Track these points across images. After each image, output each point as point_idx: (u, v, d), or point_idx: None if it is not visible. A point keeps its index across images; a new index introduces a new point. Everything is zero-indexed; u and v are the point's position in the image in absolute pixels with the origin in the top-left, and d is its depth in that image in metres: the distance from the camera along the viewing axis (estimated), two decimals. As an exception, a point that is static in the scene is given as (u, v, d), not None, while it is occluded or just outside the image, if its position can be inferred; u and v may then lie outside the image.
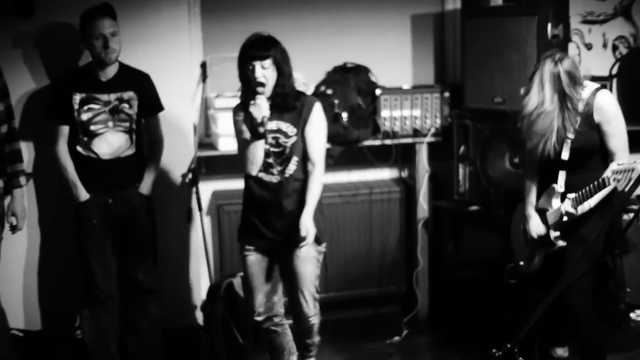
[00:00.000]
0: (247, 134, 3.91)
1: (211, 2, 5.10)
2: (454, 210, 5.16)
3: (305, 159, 3.98)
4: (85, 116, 4.33)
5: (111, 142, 4.37)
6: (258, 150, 3.89)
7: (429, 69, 5.57)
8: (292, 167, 3.97)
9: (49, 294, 4.81)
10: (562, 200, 3.88)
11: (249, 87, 3.88)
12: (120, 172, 4.40)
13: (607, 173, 3.48)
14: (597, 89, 3.87)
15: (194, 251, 4.98)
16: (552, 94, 3.78)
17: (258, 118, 3.81)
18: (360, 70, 5.16)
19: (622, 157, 3.71)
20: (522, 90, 4.01)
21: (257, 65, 3.84)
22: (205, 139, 5.11)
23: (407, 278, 5.42)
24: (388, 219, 5.36)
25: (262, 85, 3.84)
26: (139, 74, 4.48)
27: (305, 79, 4.85)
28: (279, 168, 3.96)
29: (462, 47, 5.06)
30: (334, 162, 4.97)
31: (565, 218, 3.85)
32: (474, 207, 5.00)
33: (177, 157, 4.84)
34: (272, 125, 3.92)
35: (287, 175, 3.96)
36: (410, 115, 5.19)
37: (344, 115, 5.03)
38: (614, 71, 5.54)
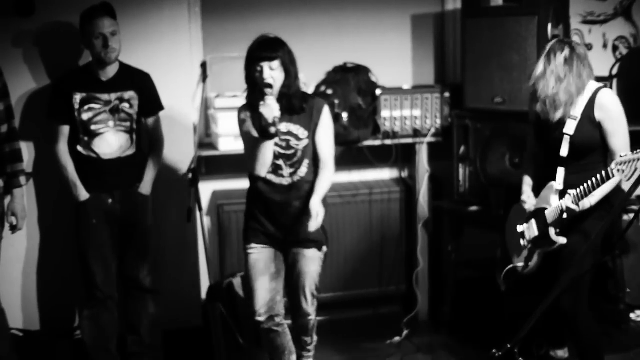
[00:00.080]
0: (254, 135, 3.91)
1: (211, 2, 5.11)
2: (454, 210, 5.16)
3: (315, 160, 4.01)
4: (85, 116, 4.33)
5: (111, 142, 4.37)
6: (268, 152, 3.89)
7: (429, 69, 5.57)
8: (304, 169, 3.99)
9: (49, 294, 4.81)
10: (562, 197, 3.87)
11: (256, 88, 3.89)
12: (121, 172, 4.40)
13: (612, 165, 3.49)
14: (600, 88, 3.87)
15: (194, 251, 4.98)
16: (558, 62, 3.79)
17: (269, 119, 3.81)
18: (361, 71, 5.16)
19: (624, 154, 3.70)
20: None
21: (266, 66, 3.85)
22: (206, 139, 5.11)
23: (407, 278, 5.42)
24: (388, 219, 5.36)
25: (270, 86, 3.85)
26: (139, 73, 4.48)
27: (306, 79, 4.84)
28: (289, 170, 3.97)
29: (462, 47, 5.06)
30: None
31: (565, 215, 3.84)
32: (474, 207, 5.00)
33: (177, 157, 4.84)
34: (282, 127, 3.93)
35: (299, 177, 3.99)
36: (410, 115, 5.19)
37: (344, 115, 5.03)
38: (615, 71, 5.54)
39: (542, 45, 4.44)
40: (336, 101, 4.99)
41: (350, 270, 5.30)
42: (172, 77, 4.80)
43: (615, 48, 5.71)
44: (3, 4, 4.54)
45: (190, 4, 4.93)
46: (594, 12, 5.63)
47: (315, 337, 4.31)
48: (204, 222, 4.58)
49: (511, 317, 4.49)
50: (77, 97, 4.32)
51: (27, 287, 4.79)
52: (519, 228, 4.13)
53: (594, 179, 3.66)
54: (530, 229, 4.05)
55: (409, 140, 5.23)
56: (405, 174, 5.49)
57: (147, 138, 4.55)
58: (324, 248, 4.12)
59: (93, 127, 4.34)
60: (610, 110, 3.82)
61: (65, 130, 4.37)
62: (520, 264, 4.12)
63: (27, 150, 4.59)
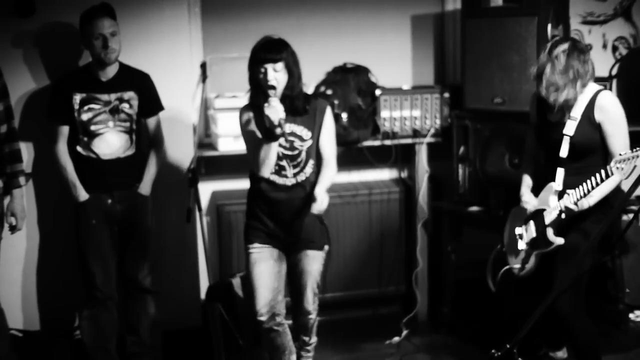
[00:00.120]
0: (258, 136, 3.91)
1: (211, 3, 5.11)
2: (453, 210, 5.16)
3: (319, 161, 4.03)
4: (85, 116, 4.33)
5: (111, 142, 4.37)
6: (272, 153, 3.90)
7: (428, 69, 5.57)
8: (309, 170, 4.01)
9: (49, 294, 4.81)
10: (560, 198, 3.87)
11: (260, 90, 3.89)
12: (120, 172, 4.40)
13: (611, 163, 3.49)
14: (600, 90, 3.87)
15: (193, 251, 4.98)
16: (561, 50, 3.80)
17: (275, 120, 3.82)
18: (360, 71, 5.16)
19: None
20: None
21: (270, 68, 3.86)
22: (205, 139, 5.12)
23: (407, 278, 5.42)
24: (388, 219, 5.36)
25: (274, 88, 3.85)
26: (139, 73, 4.48)
27: (305, 80, 4.83)
28: (293, 171, 3.98)
29: (462, 47, 5.06)
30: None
31: (563, 215, 3.84)
32: (474, 208, 5.00)
33: (176, 157, 4.84)
34: (286, 128, 3.94)
35: (303, 177, 4.01)
36: (410, 115, 5.19)
37: (344, 115, 5.03)
38: (614, 72, 5.54)
39: (542, 46, 4.45)
40: (336, 101, 4.99)
41: (349, 270, 5.30)
42: (171, 78, 4.80)
43: (614, 48, 5.72)
44: (3, 4, 4.54)
45: (190, 4, 4.93)
46: (594, 12, 5.63)
47: (315, 337, 4.32)
48: (203, 223, 4.59)
49: (510, 318, 4.49)
50: (77, 98, 4.32)
51: (27, 287, 4.79)
52: (517, 230, 4.13)
53: (592, 178, 3.66)
54: (528, 231, 4.05)
55: (409, 141, 5.23)
56: (404, 174, 5.50)
57: (147, 138, 4.55)
58: (326, 247, 4.14)
59: (93, 128, 4.34)
60: (610, 112, 3.83)
61: (65, 130, 4.37)
62: (517, 266, 4.12)
63: (26, 151, 4.59)
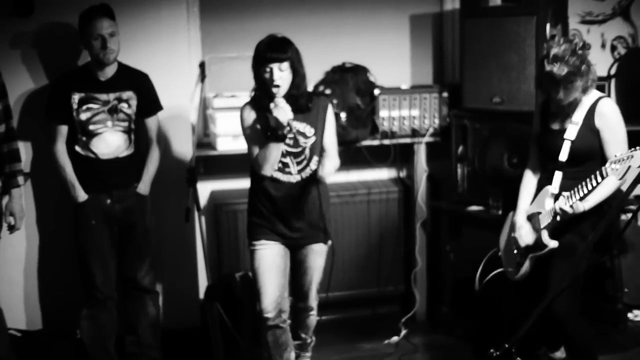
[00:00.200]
0: (262, 134, 3.93)
1: (210, 2, 5.11)
2: (452, 210, 5.16)
3: (322, 157, 4.05)
4: (84, 116, 4.33)
5: (110, 142, 4.37)
6: (277, 153, 3.91)
7: (427, 69, 5.57)
8: (313, 166, 4.03)
9: (51, 294, 4.81)
10: (556, 201, 3.87)
11: (264, 89, 3.89)
12: (119, 172, 4.39)
13: (605, 165, 3.50)
14: (601, 97, 3.88)
15: (192, 251, 4.98)
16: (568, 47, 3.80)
17: (284, 121, 3.83)
18: (359, 70, 5.16)
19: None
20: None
21: (275, 67, 3.86)
22: (204, 139, 5.12)
23: (406, 278, 5.42)
24: (386, 219, 5.36)
25: (279, 87, 3.86)
26: (137, 73, 4.48)
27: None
28: (297, 168, 3.99)
29: (460, 47, 5.06)
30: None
31: (558, 217, 3.84)
32: (473, 207, 5.00)
33: (175, 157, 4.84)
34: (296, 127, 3.95)
35: (308, 174, 4.02)
36: (408, 115, 5.19)
37: (343, 115, 5.03)
38: (613, 71, 5.55)
39: (540, 46, 4.45)
40: (334, 101, 4.99)
41: (348, 270, 5.30)
42: (170, 77, 4.80)
43: (613, 48, 5.72)
44: (1, 4, 4.54)
45: (188, 4, 4.93)
46: (593, 12, 5.63)
47: (314, 337, 4.32)
48: (202, 222, 4.60)
49: (509, 318, 4.49)
50: (76, 97, 4.32)
51: (28, 287, 4.79)
52: (513, 234, 4.13)
53: (588, 180, 3.67)
54: (525, 234, 4.05)
55: (407, 140, 5.23)
56: (403, 173, 5.49)
57: (146, 138, 4.54)
58: (329, 241, 4.17)
59: (91, 127, 4.33)
60: (610, 119, 3.83)
61: (64, 130, 4.37)
62: (511, 269, 4.12)
63: (25, 150, 4.59)
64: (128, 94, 4.39)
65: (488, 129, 4.96)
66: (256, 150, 3.98)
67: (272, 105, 3.84)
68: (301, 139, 3.97)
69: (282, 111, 3.83)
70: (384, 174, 5.50)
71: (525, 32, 4.64)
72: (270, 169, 3.96)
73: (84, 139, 4.35)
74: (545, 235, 3.90)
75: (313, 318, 4.27)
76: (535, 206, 4.01)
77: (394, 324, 5.18)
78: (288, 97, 3.92)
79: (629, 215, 4.93)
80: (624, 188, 3.29)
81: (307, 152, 3.99)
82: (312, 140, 4.00)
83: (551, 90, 3.81)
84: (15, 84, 4.53)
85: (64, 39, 4.59)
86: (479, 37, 4.85)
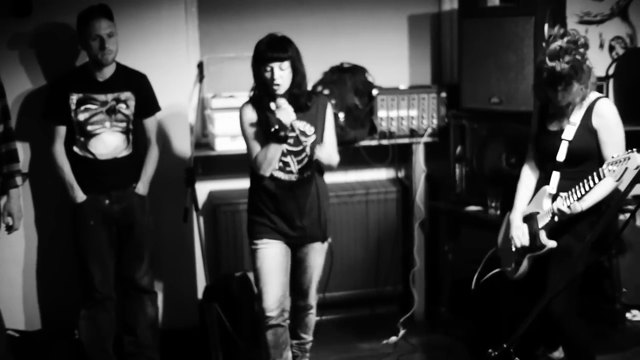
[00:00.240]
0: (261, 135, 3.94)
1: (208, 3, 5.11)
2: (450, 210, 5.16)
3: None
4: (82, 116, 4.32)
5: (108, 143, 4.37)
6: (278, 154, 3.92)
7: (425, 69, 5.57)
8: (313, 165, 4.04)
9: (50, 294, 4.81)
10: (554, 201, 3.87)
11: (264, 88, 3.90)
12: (117, 172, 4.39)
13: (603, 166, 3.50)
14: (599, 97, 3.88)
15: (190, 251, 4.97)
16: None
17: (287, 123, 3.85)
18: (357, 71, 5.17)
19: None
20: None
21: (276, 67, 3.86)
22: (202, 139, 5.11)
23: (404, 278, 5.42)
24: (385, 219, 5.36)
25: (280, 86, 3.87)
26: (136, 74, 4.48)
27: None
28: (298, 166, 4.00)
29: (459, 47, 5.06)
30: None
31: (556, 218, 3.84)
32: (471, 207, 5.01)
33: (173, 158, 4.83)
34: (301, 126, 3.97)
35: (309, 172, 4.03)
36: (407, 115, 5.19)
37: (341, 115, 5.03)
38: (611, 71, 5.55)
39: (539, 46, 4.45)
40: (333, 101, 4.99)
41: (346, 270, 5.30)
42: (168, 78, 4.79)
43: (611, 48, 5.72)
44: (0, 4, 4.53)
45: (186, 4, 4.93)
46: (591, 12, 5.63)
47: (312, 337, 4.32)
48: (200, 222, 4.60)
49: (508, 317, 4.50)
50: (74, 98, 4.32)
51: (27, 287, 4.78)
52: (510, 234, 4.13)
53: (585, 181, 3.67)
54: (522, 235, 4.05)
55: (406, 140, 5.23)
56: (401, 174, 5.50)
57: (144, 139, 4.54)
58: (329, 239, 4.21)
59: (89, 128, 4.33)
60: (607, 119, 3.83)
61: (62, 130, 4.36)
62: (510, 269, 4.12)
63: (23, 151, 4.58)
64: (126, 95, 4.39)
65: (486, 129, 4.96)
66: (256, 149, 3.98)
67: (273, 105, 3.85)
68: (302, 138, 3.97)
69: (285, 112, 3.83)
70: (382, 174, 5.51)
71: (523, 33, 4.64)
72: (269, 170, 3.96)
73: (82, 139, 4.35)
74: (543, 236, 3.90)
75: (312, 317, 4.28)
76: (533, 206, 4.01)
77: (393, 324, 5.18)
78: (289, 96, 3.92)
79: (627, 215, 4.93)
80: (622, 188, 3.29)
81: (307, 150, 4.00)
82: (313, 138, 4.01)
83: (550, 90, 3.81)
84: (13, 85, 4.52)
85: (62, 40, 4.59)
86: (477, 38, 4.86)
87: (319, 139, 4.04)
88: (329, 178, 4.59)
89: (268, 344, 4.10)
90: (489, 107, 4.85)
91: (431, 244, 5.39)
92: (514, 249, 4.09)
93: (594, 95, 3.88)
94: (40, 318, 4.82)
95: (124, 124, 4.39)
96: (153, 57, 4.77)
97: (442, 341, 5.08)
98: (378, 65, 5.29)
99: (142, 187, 4.48)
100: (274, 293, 4.03)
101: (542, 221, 3.91)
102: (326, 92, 5.00)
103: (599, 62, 5.49)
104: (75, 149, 4.36)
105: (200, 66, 4.97)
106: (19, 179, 4.32)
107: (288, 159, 3.99)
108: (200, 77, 4.93)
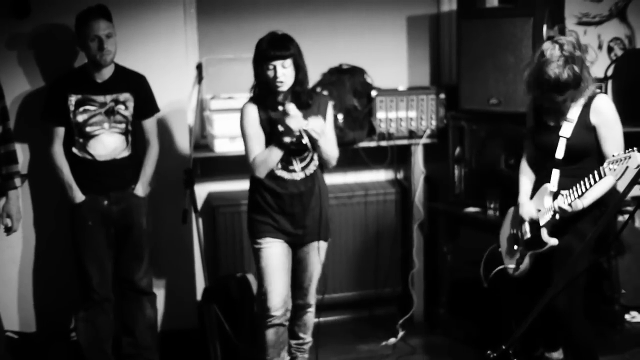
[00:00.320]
0: (262, 135, 3.95)
1: (207, 4, 5.11)
2: (449, 211, 5.16)
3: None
4: (80, 117, 4.32)
5: (107, 144, 4.36)
6: (278, 158, 3.94)
7: (424, 70, 5.58)
8: (315, 162, 4.07)
9: (45, 296, 4.80)
10: (555, 199, 3.87)
11: (267, 87, 3.90)
12: (116, 173, 4.39)
13: (603, 165, 3.50)
14: (596, 93, 3.87)
15: (189, 253, 4.97)
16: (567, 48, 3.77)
17: (296, 130, 3.86)
18: (356, 72, 5.17)
19: None
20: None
21: (278, 65, 3.87)
22: (201, 141, 5.11)
23: (403, 279, 5.42)
24: (384, 220, 5.36)
25: (283, 83, 3.88)
26: (134, 75, 4.48)
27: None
28: (300, 165, 4.00)
29: (457, 48, 5.07)
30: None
31: (557, 216, 3.84)
32: (470, 209, 5.01)
33: (172, 159, 4.83)
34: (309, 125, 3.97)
35: (311, 171, 4.05)
36: (405, 116, 5.20)
37: (340, 116, 5.03)
38: (609, 72, 5.55)
39: (537, 47, 4.45)
40: (332, 102, 4.99)
41: (345, 271, 5.30)
42: (167, 79, 4.79)
43: (610, 49, 5.72)
44: (-2, 5, 4.55)
45: (185, 5, 4.93)
46: (589, 13, 5.64)
47: (311, 338, 4.32)
48: (199, 224, 4.59)
49: (508, 318, 4.50)
50: (72, 99, 4.32)
51: (23, 289, 4.77)
52: (513, 230, 4.14)
53: (586, 179, 3.67)
54: (523, 232, 4.06)
55: (405, 142, 5.24)
56: (400, 175, 5.50)
57: (143, 140, 4.54)
58: (329, 239, 4.23)
59: (88, 129, 4.33)
60: (606, 116, 3.83)
61: (60, 131, 4.36)
62: (512, 266, 4.12)
63: (22, 152, 4.58)
64: (125, 96, 4.39)
65: (485, 130, 4.96)
66: (255, 150, 3.98)
67: (280, 110, 3.85)
68: (313, 136, 3.98)
69: (295, 120, 3.85)
70: (381, 175, 5.51)
71: (522, 34, 4.64)
72: (265, 172, 3.97)
73: (81, 140, 4.35)
74: (544, 233, 3.90)
75: (311, 315, 4.28)
76: (535, 204, 4.01)
77: (392, 325, 5.18)
78: (291, 93, 3.93)
79: (626, 216, 4.93)
80: (621, 188, 3.29)
81: (310, 149, 4.01)
82: (322, 136, 4.00)
83: (549, 95, 3.81)
84: (12, 86, 4.52)
85: (60, 41, 4.58)
86: (476, 39, 4.86)
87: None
88: (328, 179, 4.61)
89: (267, 343, 4.10)
90: (487, 108, 4.86)
91: (430, 245, 5.39)
92: (516, 247, 4.09)
93: (591, 90, 3.86)
94: (35, 320, 4.81)
95: (122, 125, 4.39)
96: (152, 58, 4.77)
97: (441, 342, 5.08)
98: (377, 66, 5.30)
99: (140, 189, 4.47)
100: (280, 292, 4.04)
101: (543, 219, 3.91)
102: (325, 93, 5.00)
103: (598, 64, 5.52)
104: (74, 150, 4.36)
105: (199, 67, 4.97)
106: (17, 181, 4.32)
107: (291, 158, 4.00)
108: (199, 78, 4.93)
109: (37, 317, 4.80)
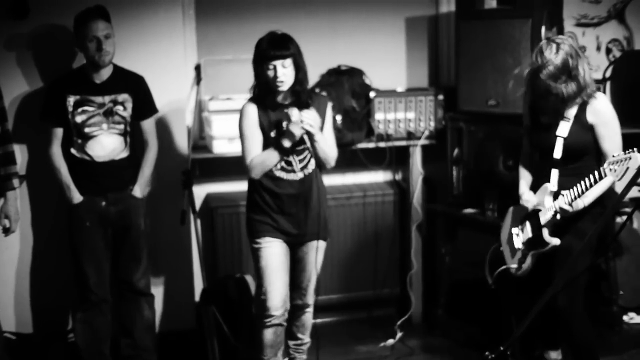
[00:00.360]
0: (259, 136, 3.96)
1: (206, 5, 5.11)
2: (447, 212, 5.16)
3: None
4: (79, 118, 4.32)
5: (105, 145, 4.36)
6: (275, 161, 3.94)
7: (423, 71, 5.58)
8: (313, 162, 4.07)
9: (42, 297, 4.79)
10: (556, 199, 3.88)
11: (267, 87, 3.90)
12: (114, 174, 4.39)
13: (604, 165, 3.50)
14: (593, 92, 3.87)
15: (187, 254, 4.96)
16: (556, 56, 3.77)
17: (298, 136, 3.89)
18: (355, 73, 5.17)
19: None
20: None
21: (278, 64, 3.87)
22: (200, 142, 5.11)
23: (401, 281, 5.42)
24: (382, 221, 5.36)
25: (284, 82, 3.89)
26: (133, 76, 4.48)
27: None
28: (300, 165, 4.01)
29: (456, 49, 5.07)
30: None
31: (558, 216, 3.84)
32: (468, 210, 5.00)
33: (171, 160, 4.82)
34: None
35: (309, 170, 4.05)
36: (404, 117, 5.20)
37: (338, 117, 5.03)
38: (608, 74, 5.55)
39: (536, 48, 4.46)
40: (330, 103, 4.98)
41: (344, 272, 5.30)
42: (166, 80, 4.78)
43: (608, 50, 5.73)
44: (-3, 6, 4.54)
45: (184, 6, 4.93)
46: (588, 14, 5.64)
47: (309, 339, 4.32)
48: (197, 225, 4.59)
49: (508, 318, 4.50)
50: (71, 100, 4.31)
51: (20, 289, 4.77)
52: (514, 230, 4.14)
53: (586, 180, 3.68)
54: (524, 231, 4.06)
55: (403, 143, 5.24)
56: (399, 176, 5.50)
57: (141, 141, 4.54)
58: (328, 238, 4.23)
59: (87, 130, 4.33)
60: (603, 114, 3.83)
61: (59, 132, 4.36)
62: (514, 266, 4.12)
63: (20, 153, 4.57)
64: (123, 97, 4.39)
65: (483, 131, 4.96)
66: (252, 151, 3.98)
67: (288, 112, 3.85)
68: (304, 137, 3.98)
69: (297, 127, 3.86)
70: (379, 176, 5.51)
71: (520, 35, 4.65)
72: (260, 175, 3.98)
73: (79, 141, 4.34)
74: (546, 233, 3.91)
75: (309, 315, 4.28)
76: (536, 198, 4.01)
77: (390, 326, 5.18)
78: (292, 93, 3.93)
79: (624, 217, 4.93)
80: (619, 190, 3.29)
81: (309, 148, 4.01)
82: (319, 133, 4.00)
83: (547, 99, 3.82)
84: (10, 86, 4.51)
85: (59, 41, 4.58)
86: (475, 40, 4.86)
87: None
88: (327, 180, 4.62)
89: (265, 343, 4.10)
90: (486, 110, 4.86)
91: (428, 246, 5.39)
92: (516, 244, 4.10)
93: (589, 90, 3.86)
94: (33, 321, 4.80)
95: (121, 126, 4.38)
96: (150, 59, 4.76)
97: (439, 343, 5.08)
98: (375, 67, 5.30)
99: (138, 190, 4.47)
100: (280, 292, 4.04)
101: (544, 218, 3.91)
102: (323, 94, 5.00)
103: (597, 65, 5.52)
104: (73, 151, 4.36)
105: (197, 68, 4.96)
106: (16, 181, 4.31)
107: (290, 158, 4.00)
108: (198, 79, 4.93)
109: (35, 318, 4.80)
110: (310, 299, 4.24)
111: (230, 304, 4.68)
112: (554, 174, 3.91)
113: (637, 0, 5.69)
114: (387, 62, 5.48)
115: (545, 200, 3.93)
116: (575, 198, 3.75)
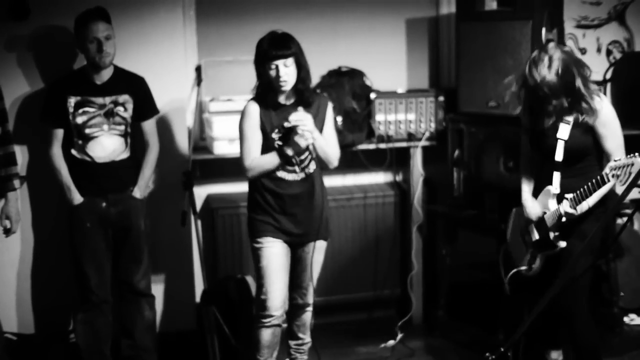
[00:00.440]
0: (259, 137, 3.97)
1: (206, 6, 5.11)
2: (448, 214, 5.16)
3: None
4: (80, 119, 4.32)
5: (106, 146, 4.36)
6: (274, 166, 3.94)
7: (423, 73, 5.58)
8: (314, 162, 4.07)
9: (43, 297, 4.80)
10: (559, 201, 3.88)
11: (269, 87, 3.90)
12: (115, 175, 4.39)
13: (606, 170, 3.50)
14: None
15: (188, 255, 4.97)
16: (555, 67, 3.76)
17: (303, 146, 3.90)
18: (355, 74, 5.17)
19: (619, 157, 3.70)
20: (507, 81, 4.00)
21: (281, 64, 3.87)
22: (200, 143, 5.11)
23: (402, 282, 5.42)
24: (382, 222, 5.36)
25: (287, 82, 3.89)
26: (134, 77, 4.48)
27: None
28: (300, 165, 4.00)
29: (456, 51, 5.07)
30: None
31: (564, 219, 3.85)
32: (469, 211, 5.00)
33: (171, 161, 4.83)
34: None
35: (311, 170, 4.06)
36: (404, 119, 5.20)
37: (339, 119, 5.03)
38: (608, 75, 5.56)
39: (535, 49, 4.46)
40: (331, 104, 4.99)
41: (344, 273, 5.30)
42: (166, 81, 4.79)
43: (609, 52, 5.73)
44: (-3, 7, 4.55)
45: (184, 7, 4.93)
46: (588, 16, 5.64)
47: (310, 339, 4.32)
48: (198, 226, 4.60)
49: (508, 319, 4.50)
50: (72, 101, 4.32)
51: (22, 290, 4.77)
52: (520, 232, 4.15)
53: (589, 184, 3.68)
54: (531, 233, 4.06)
55: (404, 144, 5.24)
56: (399, 177, 5.50)
57: (142, 142, 4.54)
58: (329, 238, 4.23)
59: (87, 131, 4.33)
60: (604, 115, 3.83)
61: (59, 133, 4.36)
62: (524, 268, 4.13)
63: (21, 154, 4.58)
64: (124, 98, 4.39)
65: (484, 133, 4.96)
66: (251, 152, 3.99)
67: (291, 118, 3.86)
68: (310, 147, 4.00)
69: (304, 139, 3.86)
70: (380, 177, 5.51)
71: (520, 36, 4.65)
72: (257, 176, 3.99)
73: (80, 142, 4.35)
74: (552, 236, 3.91)
75: (309, 314, 4.28)
76: (539, 207, 4.01)
77: (390, 327, 5.18)
78: (296, 92, 3.93)
79: (625, 219, 4.93)
80: (620, 191, 3.29)
81: (310, 148, 4.01)
82: (316, 131, 4.00)
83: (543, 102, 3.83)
84: (11, 88, 4.52)
85: (59, 43, 4.58)
86: (475, 41, 4.86)
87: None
88: (327, 182, 4.62)
89: (262, 343, 4.10)
90: (486, 111, 4.86)
91: (429, 247, 5.39)
92: (525, 249, 4.10)
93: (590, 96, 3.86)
94: (33, 321, 4.80)
95: (122, 127, 4.39)
96: (151, 60, 4.77)
97: (440, 345, 5.08)
98: (376, 69, 5.30)
99: (139, 191, 4.47)
100: (280, 293, 4.05)
101: (550, 221, 3.92)
102: (324, 95, 5.00)
103: (597, 67, 5.51)
104: (73, 152, 4.36)
105: (198, 69, 4.97)
106: (16, 182, 4.31)
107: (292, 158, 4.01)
108: (198, 80, 4.94)
109: (36, 318, 4.80)
110: (311, 298, 4.24)
111: (230, 305, 4.68)
112: (556, 176, 3.91)
113: (638, 2, 5.69)
114: (388, 63, 5.48)
115: (549, 203, 3.93)
116: (579, 201, 3.75)
